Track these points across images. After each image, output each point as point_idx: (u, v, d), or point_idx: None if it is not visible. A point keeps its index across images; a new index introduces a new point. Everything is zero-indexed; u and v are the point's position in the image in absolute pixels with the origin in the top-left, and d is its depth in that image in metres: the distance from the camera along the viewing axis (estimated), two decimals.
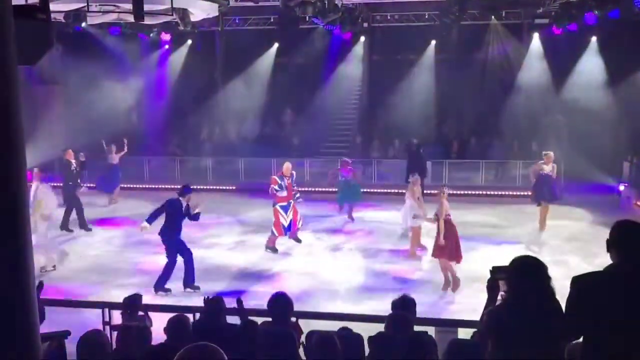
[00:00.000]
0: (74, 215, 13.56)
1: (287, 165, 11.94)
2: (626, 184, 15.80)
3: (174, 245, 9.60)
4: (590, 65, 18.04)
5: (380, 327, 5.03)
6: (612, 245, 3.57)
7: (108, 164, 15.90)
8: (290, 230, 11.81)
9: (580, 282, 3.55)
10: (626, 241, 3.54)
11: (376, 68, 20.73)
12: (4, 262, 2.68)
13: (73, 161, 13.47)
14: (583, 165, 15.47)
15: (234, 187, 17.86)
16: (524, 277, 3.63)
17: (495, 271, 3.83)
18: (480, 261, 10.85)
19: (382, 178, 18.05)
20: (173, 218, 9.54)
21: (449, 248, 9.53)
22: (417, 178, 11.81)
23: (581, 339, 3.73)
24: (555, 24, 16.05)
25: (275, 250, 11.68)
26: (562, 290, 3.75)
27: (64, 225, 13.51)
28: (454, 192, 16.13)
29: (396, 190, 17.19)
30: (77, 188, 13.54)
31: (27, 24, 2.93)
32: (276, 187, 11.60)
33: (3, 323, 2.66)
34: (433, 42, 19.65)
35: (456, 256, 9.70)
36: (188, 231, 12.97)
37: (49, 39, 3.08)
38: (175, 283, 10.24)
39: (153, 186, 17.72)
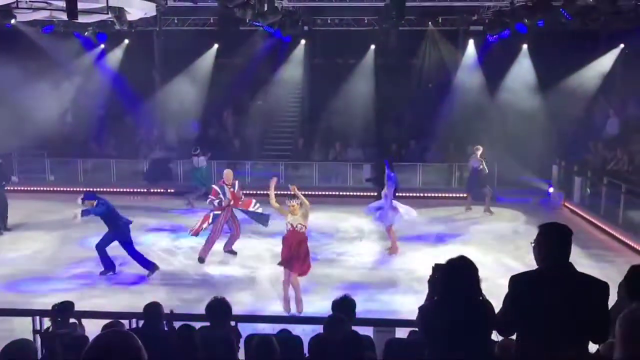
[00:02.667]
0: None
1: (228, 173, 11.47)
2: (553, 186, 16.53)
3: None
4: (522, 71, 18.76)
5: (320, 329, 5.07)
6: (537, 246, 3.74)
7: None
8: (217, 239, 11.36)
9: (516, 281, 3.72)
10: (551, 242, 3.72)
11: (317, 71, 20.85)
12: None
13: None
14: (515, 167, 16.08)
15: (172, 190, 17.56)
16: (450, 276, 3.79)
17: (437, 268, 4.01)
18: (417, 261, 11.13)
19: (324, 180, 18.17)
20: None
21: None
22: None
23: (514, 335, 3.90)
24: (488, 31, 16.61)
25: (202, 261, 11.10)
26: (492, 289, 3.91)
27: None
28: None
29: (337, 193, 17.41)
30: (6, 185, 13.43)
31: None
32: (216, 200, 11.17)
33: None
34: (372, 47, 19.95)
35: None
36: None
37: None
38: (105, 286, 10.01)
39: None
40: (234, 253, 11.64)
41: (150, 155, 18.74)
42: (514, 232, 13.44)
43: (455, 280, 3.76)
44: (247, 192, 16.41)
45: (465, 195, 15.83)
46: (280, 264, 8.91)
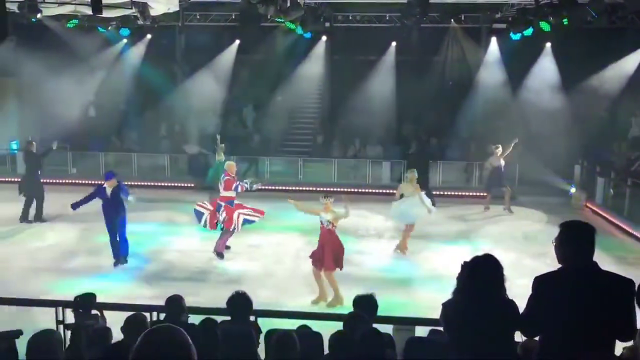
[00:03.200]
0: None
1: (231, 165, 11.67)
2: (575, 187, 16.32)
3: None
4: (545, 70, 18.53)
5: (339, 326, 5.07)
6: (560, 245, 3.69)
7: None
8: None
9: (540, 282, 3.69)
10: (573, 240, 3.67)
11: (337, 68, 20.81)
12: None
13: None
14: (537, 167, 15.91)
15: (192, 185, 17.68)
16: (475, 274, 3.76)
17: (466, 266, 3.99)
18: (437, 260, 11.10)
19: (343, 177, 18.14)
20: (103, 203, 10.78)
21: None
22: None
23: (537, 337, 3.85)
24: (512, 29, 16.43)
25: (221, 256, 11.19)
26: (511, 288, 3.86)
27: (25, 217, 13.64)
28: None
29: (356, 190, 17.38)
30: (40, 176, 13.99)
31: None
32: (238, 184, 11.35)
33: None
34: (393, 44, 19.85)
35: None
36: (153, 231, 12.92)
37: (4, 29, 2.98)
38: (130, 282, 10.11)
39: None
40: (227, 247, 11.56)
41: (186, 150, 18.75)
42: (535, 232, 13.29)
43: (479, 277, 3.74)
44: (266, 187, 16.54)
45: (484, 194, 15.71)
46: (310, 256, 9.34)
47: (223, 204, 11.21)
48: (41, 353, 3.95)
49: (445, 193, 16.81)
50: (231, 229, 11.21)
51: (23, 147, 14.89)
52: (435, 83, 19.81)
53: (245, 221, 11.25)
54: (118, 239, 10.79)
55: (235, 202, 11.34)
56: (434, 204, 15.05)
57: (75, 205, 10.76)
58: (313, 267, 9.26)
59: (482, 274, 3.75)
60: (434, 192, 16.02)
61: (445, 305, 3.88)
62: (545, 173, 16.16)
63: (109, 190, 10.66)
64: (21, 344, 4.88)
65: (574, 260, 3.63)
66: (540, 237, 12.54)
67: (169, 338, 2.14)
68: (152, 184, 17.81)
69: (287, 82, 20.40)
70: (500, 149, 14.88)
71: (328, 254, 9.03)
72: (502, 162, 14.87)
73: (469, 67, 19.61)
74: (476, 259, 3.82)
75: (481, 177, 17.31)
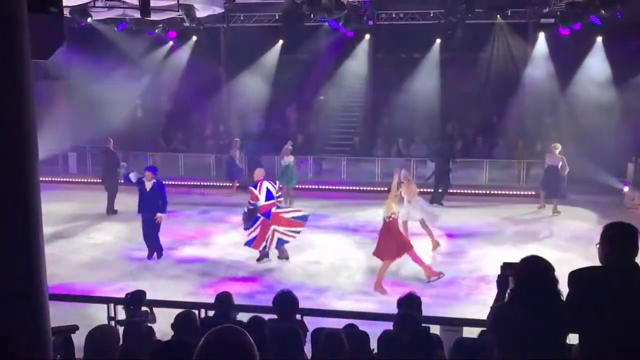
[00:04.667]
0: None
1: (259, 172, 10.99)
2: (629, 184, 15.76)
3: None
4: (596, 65, 17.98)
5: (385, 325, 5.03)
6: (601, 245, 3.60)
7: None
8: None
9: (577, 277, 3.59)
10: (614, 241, 3.57)
11: (381, 66, 20.70)
12: (16, 255, 2.68)
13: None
14: (587, 165, 15.44)
15: (237, 184, 17.87)
16: (528, 277, 3.66)
17: (506, 267, 3.87)
18: (484, 260, 10.91)
19: (386, 176, 18.00)
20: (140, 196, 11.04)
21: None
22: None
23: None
24: (561, 24, 16.00)
25: (267, 255, 10.97)
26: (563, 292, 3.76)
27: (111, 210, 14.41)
28: (458, 191, 16.17)
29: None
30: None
31: (40, 17, 2.92)
32: (251, 202, 10.69)
33: (16, 317, 2.66)
34: (438, 41, 19.60)
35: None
36: (197, 229, 13.09)
37: (61, 32, 3.07)
38: (169, 277, 10.28)
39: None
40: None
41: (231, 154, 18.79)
42: (585, 232, 12.90)
43: (530, 280, 3.63)
44: (310, 187, 16.67)
45: (538, 193, 15.23)
46: (392, 256, 9.64)
47: (261, 217, 10.55)
48: (99, 347, 4.05)
49: (492, 192, 16.50)
50: (260, 248, 10.72)
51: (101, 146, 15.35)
52: (481, 80, 19.47)
53: (280, 241, 10.66)
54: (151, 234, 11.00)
55: (276, 210, 10.68)
56: (441, 203, 14.83)
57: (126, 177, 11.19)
58: (386, 261, 9.52)
59: (534, 277, 3.65)
60: (481, 192, 15.78)
61: (495, 309, 3.80)
62: (597, 171, 15.66)
63: (148, 185, 10.82)
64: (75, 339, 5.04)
65: (612, 259, 3.54)
66: (590, 237, 12.12)
67: (232, 339, 2.15)
68: (198, 183, 18.09)
69: (331, 82, 20.41)
70: (559, 149, 14.31)
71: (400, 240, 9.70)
72: (560, 163, 14.25)
73: (515, 64, 19.20)
74: (527, 261, 3.72)
75: (528, 176, 16.94)
